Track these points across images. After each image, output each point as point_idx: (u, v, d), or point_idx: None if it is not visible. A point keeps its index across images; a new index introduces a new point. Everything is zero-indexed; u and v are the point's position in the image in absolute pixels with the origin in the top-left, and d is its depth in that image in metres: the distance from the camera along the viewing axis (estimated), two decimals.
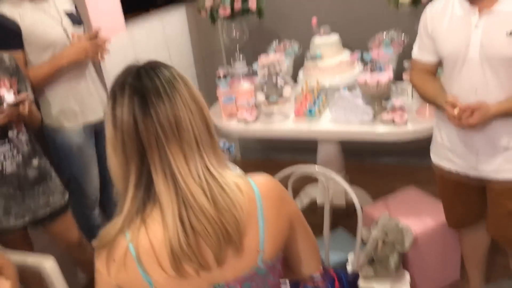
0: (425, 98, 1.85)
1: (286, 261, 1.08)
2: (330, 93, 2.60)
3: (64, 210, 2.16)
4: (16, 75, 1.95)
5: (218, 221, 0.88)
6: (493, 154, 1.70)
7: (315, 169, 1.89)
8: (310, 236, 1.11)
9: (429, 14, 1.75)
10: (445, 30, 1.67)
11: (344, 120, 2.38)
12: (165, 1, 3.33)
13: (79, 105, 2.34)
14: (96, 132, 2.48)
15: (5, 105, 1.82)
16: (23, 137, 1.97)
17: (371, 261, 2.12)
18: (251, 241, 0.93)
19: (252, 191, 0.95)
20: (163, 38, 3.54)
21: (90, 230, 2.57)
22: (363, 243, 2.08)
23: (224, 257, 0.91)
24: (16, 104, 1.82)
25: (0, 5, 2.13)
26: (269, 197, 0.97)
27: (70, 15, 2.31)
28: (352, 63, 2.69)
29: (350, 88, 2.46)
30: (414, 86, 1.89)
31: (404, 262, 2.15)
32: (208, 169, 0.90)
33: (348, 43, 2.82)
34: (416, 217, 2.18)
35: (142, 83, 0.87)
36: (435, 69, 1.83)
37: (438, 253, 2.20)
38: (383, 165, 3.48)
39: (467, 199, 1.91)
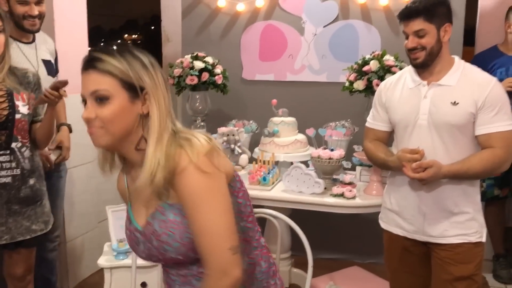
0: (377, 162, 1.97)
1: None
2: (283, 168, 2.70)
3: (39, 243, 2.08)
4: (36, 93, 2.01)
5: None
6: (440, 218, 1.80)
7: (267, 212, 1.85)
8: None
9: (383, 86, 1.95)
10: (398, 99, 1.86)
11: (296, 190, 2.45)
12: None
13: None
14: (46, 174, 2.41)
15: (18, 115, 1.90)
16: (26, 152, 1.94)
17: None
18: None
19: None
20: None
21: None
22: None
23: None
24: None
25: None
26: None
27: (47, 64, 2.37)
28: (306, 145, 2.84)
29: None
30: (366, 152, 2.01)
31: None
32: None
33: (303, 129, 3.00)
34: None
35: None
36: (387, 138, 1.98)
37: None
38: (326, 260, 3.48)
39: (413, 268, 1.94)
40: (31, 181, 1.96)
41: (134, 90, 1.09)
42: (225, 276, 1.04)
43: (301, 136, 2.83)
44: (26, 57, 2.26)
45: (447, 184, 1.76)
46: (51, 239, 2.56)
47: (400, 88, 1.87)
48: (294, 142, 2.77)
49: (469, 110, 1.72)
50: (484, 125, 1.72)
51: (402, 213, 1.89)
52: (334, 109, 3.12)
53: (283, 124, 2.80)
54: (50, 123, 2.01)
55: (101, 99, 1.07)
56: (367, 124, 2.02)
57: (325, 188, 2.43)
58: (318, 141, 2.71)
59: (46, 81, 2.30)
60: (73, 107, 3.00)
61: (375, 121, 1.98)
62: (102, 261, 2.44)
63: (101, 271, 2.66)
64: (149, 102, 1.10)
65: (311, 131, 2.66)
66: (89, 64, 1.08)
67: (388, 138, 1.99)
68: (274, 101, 2.86)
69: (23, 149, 1.93)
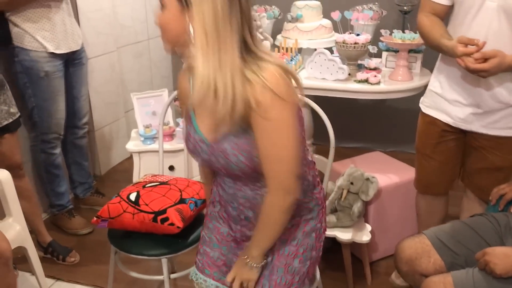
0: (429, 41, 1.75)
1: None
2: (306, 55, 2.64)
3: (19, 125, 2.10)
4: None
5: None
6: (493, 110, 1.68)
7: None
8: None
9: None
10: None
11: (319, 77, 2.41)
12: None
13: (52, 33, 2.30)
14: (67, 63, 2.43)
15: None
16: None
17: (334, 210, 2.14)
18: None
19: None
20: None
21: (48, 169, 2.50)
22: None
23: None
24: None
25: None
26: None
27: None
28: (331, 30, 2.74)
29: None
30: (419, 27, 1.77)
31: (365, 216, 2.18)
32: None
33: (327, 14, 2.87)
34: (381, 173, 2.22)
35: None
36: (445, 13, 1.74)
37: (399, 208, 2.24)
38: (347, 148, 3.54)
39: (446, 157, 1.87)
40: None
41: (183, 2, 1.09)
42: (289, 195, 1.18)
43: (325, 21, 2.72)
44: None
45: (508, 75, 1.60)
46: (79, 126, 2.65)
47: None
48: (319, 27, 2.67)
49: None
50: None
51: (451, 99, 1.75)
52: None
53: (307, 8, 2.68)
54: None
55: (161, 6, 1.13)
56: None
57: (349, 74, 2.39)
58: (343, 26, 2.61)
59: None
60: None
61: None
62: (131, 146, 2.53)
63: (130, 158, 2.78)
64: (192, 15, 1.07)
65: (336, 15, 2.54)
66: None
67: (447, 13, 1.74)
68: None
69: None
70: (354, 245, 2.10)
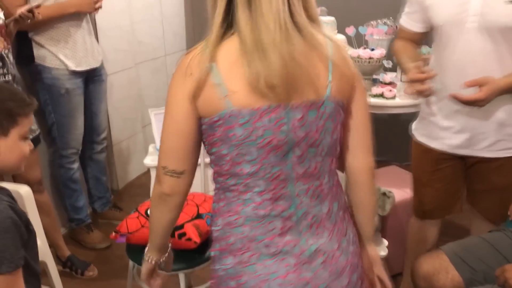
0: (399, 65, 1.80)
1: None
2: None
3: (39, 142, 2.15)
4: None
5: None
6: (488, 131, 1.64)
7: None
8: (366, 117, 1.12)
9: None
10: None
11: None
12: None
13: (73, 52, 2.36)
14: (87, 80, 2.49)
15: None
16: (11, 57, 1.96)
17: None
18: (321, 71, 1.01)
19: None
20: (159, 15, 3.58)
21: (66, 184, 2.54)
22: None
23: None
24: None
25: None
26: (339, 47, 1.06)
27: None
28: (345, 45, 2.75)
29: None
30: (393, 52, 1.82)
31: (382, 230, 2.17)
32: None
33: (342, 29, 2.90)
34: (398, 188, 2.21)
35: None
36: (419, 39, 1.77)
37: None
38: None
39: (444, 184, 1.82)
40: (19, 87, 2.01)
41: None
42: (157, 184, 1.10)
43: (340, 36, 2.74)
44: None
45: (501, 97, 1.55)
46: (98, 141, 2.70)
47: None
48: None
49: None
50: None
51: (445, 126, 1.70)
52: (376, 6, 2.98)
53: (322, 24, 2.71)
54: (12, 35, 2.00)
55: None
56: (400, 21, 1.80)
57: None
58: (358, 41, 2.63)
59: None
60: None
61: (409, 20, 1.73)
62: (148, 161, 2.56)
63: (147, 172, 2.81)
64: None
65: (351, 30, 2.57)
66: None
67: (422, 39, 1.77)
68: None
69: (9, 55, 1.94)
70: None
